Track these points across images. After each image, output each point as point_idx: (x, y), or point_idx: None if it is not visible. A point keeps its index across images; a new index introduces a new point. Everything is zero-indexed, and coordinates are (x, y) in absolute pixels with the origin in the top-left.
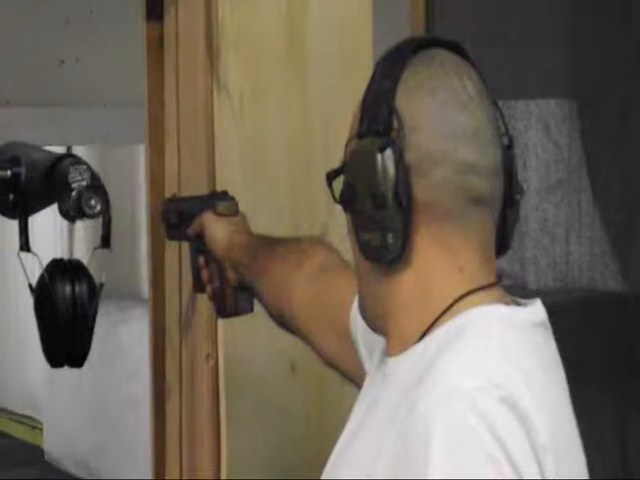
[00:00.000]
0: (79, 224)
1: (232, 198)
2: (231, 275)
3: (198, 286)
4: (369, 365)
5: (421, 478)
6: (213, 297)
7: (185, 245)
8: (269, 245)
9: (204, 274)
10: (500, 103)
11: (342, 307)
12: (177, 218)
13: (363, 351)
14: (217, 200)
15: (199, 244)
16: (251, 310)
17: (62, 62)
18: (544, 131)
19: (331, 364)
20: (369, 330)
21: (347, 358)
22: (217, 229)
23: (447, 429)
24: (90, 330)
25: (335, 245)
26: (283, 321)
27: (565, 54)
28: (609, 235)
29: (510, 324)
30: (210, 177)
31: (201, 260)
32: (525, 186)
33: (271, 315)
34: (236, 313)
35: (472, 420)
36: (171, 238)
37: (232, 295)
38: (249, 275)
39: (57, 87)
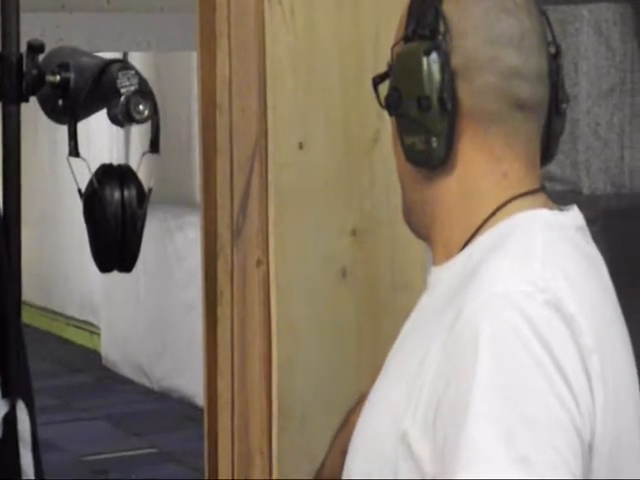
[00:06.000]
0: (134, 131)
1: None
2: None
3: None
4: None
5: (469, 381)
6: None
7: (236, 152)
8: None
9: None
10: (551, 7)
11: None
12: None
13: None
14: None
15: None
16: None
17: None
18: (596, 35)
19: None
20: None
21: None
22: None
23: (494, 333)
24: (139, 235)
25: (387, 152)
26: None
27: None
28: None
29: (554, 227)
30: (261, 83)
31: None
32: (576, 90)
33: None
34: None
35: (518, 323)
36: None
37: None
38: None
39: None
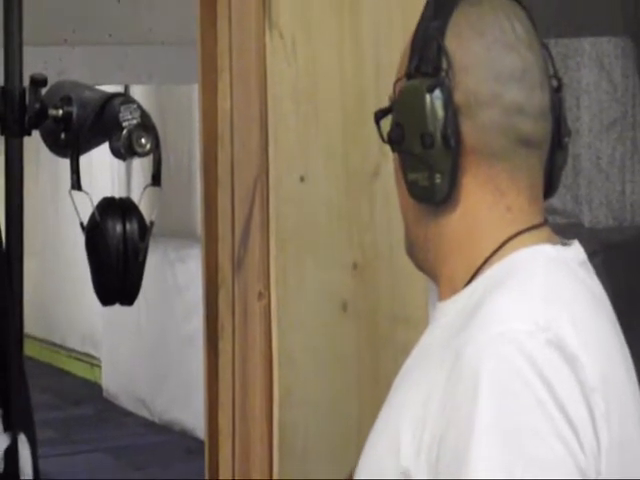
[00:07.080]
0: (136, 164)
1: None
2: None
3: None
4: None
5: (470, 422)
6: None
7: (238, 185)
8: None
9: None
10: (553, 41)
11: None
12: None
13: None
14: None
15: None
16: None
17: (119, 0)
18: (598, 69)
19: None
20: None
21: None
22: None
23: (494, 373)
24: (141, 268)
25: (387, 185)
26: None
27: None
28: None
29: (558, 262)
30: (262, 116)
31: None
32: (578, 124)
33: None
34: None
35: (520, 363)
36: None
37: None
38: None
39: (114, 26)
